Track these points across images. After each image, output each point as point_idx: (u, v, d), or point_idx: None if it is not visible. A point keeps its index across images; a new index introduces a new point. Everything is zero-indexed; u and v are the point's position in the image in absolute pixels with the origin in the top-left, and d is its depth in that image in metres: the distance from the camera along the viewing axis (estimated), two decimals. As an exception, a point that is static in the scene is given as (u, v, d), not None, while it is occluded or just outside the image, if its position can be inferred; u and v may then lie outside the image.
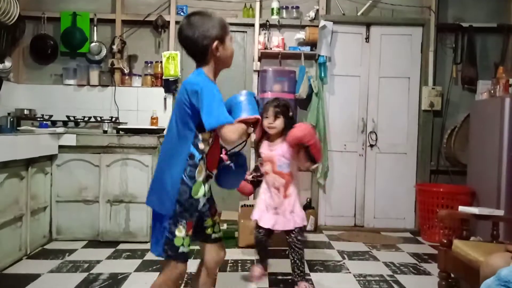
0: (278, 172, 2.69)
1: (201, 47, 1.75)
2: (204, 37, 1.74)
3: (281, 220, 2.68)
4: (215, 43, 1.76)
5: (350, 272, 3.17)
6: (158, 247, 1.75)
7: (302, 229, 2.73)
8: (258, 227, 2.78)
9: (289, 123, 2.70)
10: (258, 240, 2.83)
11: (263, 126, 2.71)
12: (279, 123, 2.69)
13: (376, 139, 4.54)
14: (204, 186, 1.78)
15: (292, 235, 2.69)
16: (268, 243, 2.86)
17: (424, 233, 4.21)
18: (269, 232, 2.78)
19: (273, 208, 2.70)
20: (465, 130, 4.27)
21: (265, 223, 2.70)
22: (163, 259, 1.78)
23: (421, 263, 3.45)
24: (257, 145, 2.85)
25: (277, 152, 2.70)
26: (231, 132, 1.66)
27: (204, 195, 1.79)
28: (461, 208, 2.73)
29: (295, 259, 2.71)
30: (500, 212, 2.70)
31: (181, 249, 1.74)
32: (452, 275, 2.59)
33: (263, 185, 2.80)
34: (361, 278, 3.04)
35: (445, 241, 2.60)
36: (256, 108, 1.83)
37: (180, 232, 1.72)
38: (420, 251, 3.80)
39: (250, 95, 1.87)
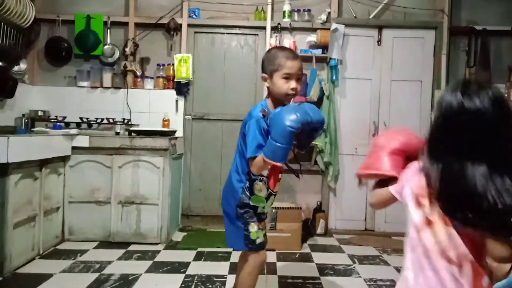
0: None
1: (261, 78, 2.11)
2: (262, 68, 2.09)
3: None
4: (263, 75, 2.07)
5: (360, 277, 3.15)
6: (239, 243, 2.09)
7: None
8: None
9: None
10: None
11: None
12: None
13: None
14: (265, 201, 2.09)
15: None
16: None
17: None
18: None
19: None
20: (478, 134, 4.21)
21: None
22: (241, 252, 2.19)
23: (433, 268, 3.41)
24: None
25: None
26: (253, 166, 1.96)
27: (264, 207, 2.10)
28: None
29: None
30: None
31: (257, 241, 2.07)
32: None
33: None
34: (372, 283, 3.02)
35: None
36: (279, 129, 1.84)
37: (253, 228, 2.06)
38: (432, 256, 3.76)
39: (288, 111, 1.87)
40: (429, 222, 1.22)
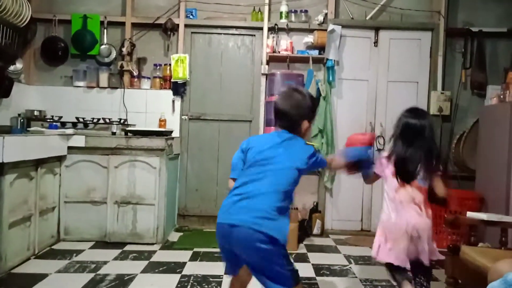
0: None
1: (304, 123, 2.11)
2: (306, 114, 2.08)
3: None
4: (306, 122, 2.07)
5: (356, 277, 3.15)
6: (287, 283, 1.81)
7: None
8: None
9: None
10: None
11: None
12: None
13: (384, 143, 4.52)
14: None
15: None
16: None
17: (432, 239, 4.17)
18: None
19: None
20: (474, 135, 4.23)
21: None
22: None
23: (428, 268, 3.42)
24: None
25: None
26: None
27: None
28: (469, 214, 2.71)
29: None
30: (509, 218, 2.68)
31: (297, 270, 1.91)
32: (460, 281, 2.57)
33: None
34: (368, 283, 3.03)
35: (452, 246, 2.58)
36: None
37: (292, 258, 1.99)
38: (428, 256, 3.77)
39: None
40: (402, 185, 2.28)
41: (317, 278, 3.09)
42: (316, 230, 4.31)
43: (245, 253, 1.83)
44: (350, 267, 3.37)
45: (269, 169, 1.89)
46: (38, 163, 3.30)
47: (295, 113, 2.00)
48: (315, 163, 2.04)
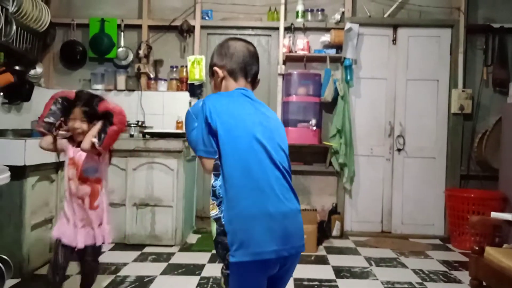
0: (84, 178, 2.23)
1: None
2: None
3: (85, 235, 2.24)
4: None
5: (377, 279, 3.10)
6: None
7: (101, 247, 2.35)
8: (59, 246, 2.23)
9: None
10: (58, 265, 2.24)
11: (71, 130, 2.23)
12: (86, 125, 2.20)
13: (404, 143, 4.45)
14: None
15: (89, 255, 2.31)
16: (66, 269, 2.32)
17: (454, 240, 4.10)
18: (72, 252, 2.26)
19: (79, 220, 2.23)
20: (496, 134, 4.13)
21: (70, 241, 2.21)
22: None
23: (452, 270, 3.35)
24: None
25: (83, 153, 2.22)
26: None
27: None
28: (494, 214, 2.65)
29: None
30: (535, 219, 2.60)
31: None
32: (484, 283, 2.51)
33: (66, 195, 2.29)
34: (389, 285, 2.97)
35: (476, 248, 2.53)
36: None
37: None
38: (450, 258, 3.70)
39: None
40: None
41: (338, 280, 3.05)
42: (335, 232, 4.26)
43: (286, 275, 1.53)
44: (371, 269, 3.32)
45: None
46: (58, 166, 3.33)
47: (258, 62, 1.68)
48: None
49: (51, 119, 2.17)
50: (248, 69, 1.61)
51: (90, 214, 2.24)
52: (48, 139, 2.19)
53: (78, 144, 2.21)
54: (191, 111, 1.51)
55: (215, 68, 1.60)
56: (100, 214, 2.29)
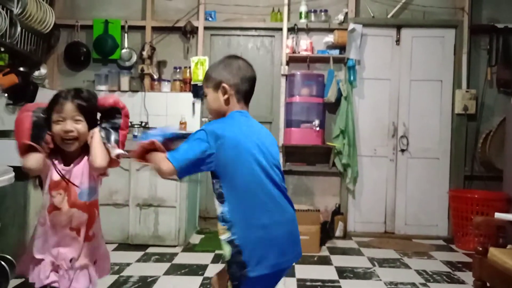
0: (78, 204, 1.62)
1: None
2: None
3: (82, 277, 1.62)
4: None
5: (380, 280, 3.09)
6: None
7: None
8: None
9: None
10: None
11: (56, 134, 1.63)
12: (82, 127, 1.63)
13: (407, 144, 4.44)
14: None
15: None
16: None
17: (458, 241, 4.08)
18: None
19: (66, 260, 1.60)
20: (500, 134, 4.12)
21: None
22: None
23: (455, 271, 3.34)
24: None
25: (77, 172, 1.63)
26: None
27: None
28: (498, 215, 2.64)
29: None
30: (540, 220, 2.59)
31: None
32: (488, 284, 2.50)
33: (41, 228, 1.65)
34: (392, 286, 2.97)
35: (480, 248, 2.52)
36: None
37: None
38: (454, 259, 3.68)
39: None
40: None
41: (341, 280, 3.04)
42: (338, 233, 4.25)
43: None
44: (374, 270, 3.32)
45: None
46: (62, 167, 3.35)
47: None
48: None
49: (39, 134, 1.63)
50: (249, 95, 1.67)
51: (84, 247, 1.63)
52: (37, 156, 1.59)
53: (67, 159, 1.64)
54: (209, 130, 1.53)
55: (225, 85, 1.58)
56: (96, 245, 1.70)
